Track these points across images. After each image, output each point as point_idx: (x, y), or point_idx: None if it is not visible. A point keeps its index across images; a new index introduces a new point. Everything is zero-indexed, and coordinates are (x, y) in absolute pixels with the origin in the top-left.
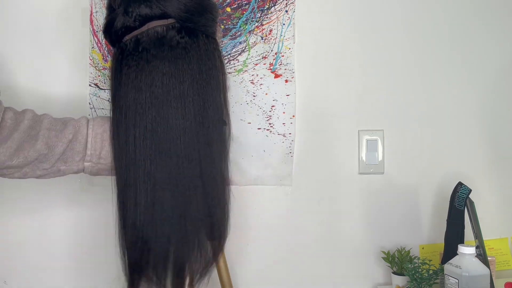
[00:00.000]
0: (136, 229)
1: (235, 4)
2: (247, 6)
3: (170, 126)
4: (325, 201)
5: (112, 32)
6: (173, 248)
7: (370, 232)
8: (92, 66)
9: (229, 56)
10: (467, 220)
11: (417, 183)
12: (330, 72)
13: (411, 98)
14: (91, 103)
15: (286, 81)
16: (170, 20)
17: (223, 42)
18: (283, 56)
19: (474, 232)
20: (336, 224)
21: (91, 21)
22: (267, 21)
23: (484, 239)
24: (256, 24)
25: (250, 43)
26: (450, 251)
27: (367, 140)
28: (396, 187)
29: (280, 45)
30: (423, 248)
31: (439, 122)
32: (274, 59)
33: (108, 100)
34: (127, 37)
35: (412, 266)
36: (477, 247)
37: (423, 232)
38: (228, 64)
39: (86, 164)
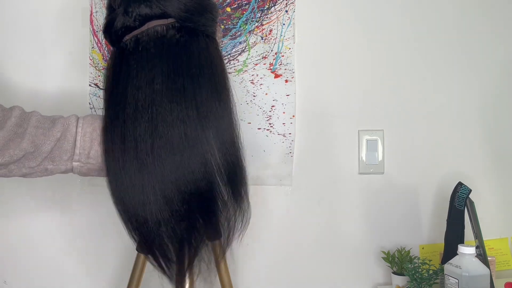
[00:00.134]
0: (142, 225)
1: (235, 4)
2: (247, 6)
3: (170, 123)
4: (325, 201)
5: (112, 32)
6: (174, 247)
7: (370, 232)
8: (92, 66)
9: (229, 56)
10: (467, 220)
11: (417, 183)
12: (330, 72)
13: (411, 98)
14: (91, 103)
15: (286, 81)
16: (170, 20)
17: (223, 42)
18: (283, 56)
19: (474, 232)
20: (336, 224)
21: (91, 21)
22: (267, 21)
23: (484, 239)
24: (256, 24)
25: (250, 43)
26: (450, 251)
27: (367, 140)
28: (396, 187)
29: (280, 45)
30: (423, 248)
31: (439, 122)
32: (274, 59)
33: None
34: (127, 37)
35: (412, 266)
36: (477, 247)
37: (423, 232)
38: (228, 64)
39: (74, 164)
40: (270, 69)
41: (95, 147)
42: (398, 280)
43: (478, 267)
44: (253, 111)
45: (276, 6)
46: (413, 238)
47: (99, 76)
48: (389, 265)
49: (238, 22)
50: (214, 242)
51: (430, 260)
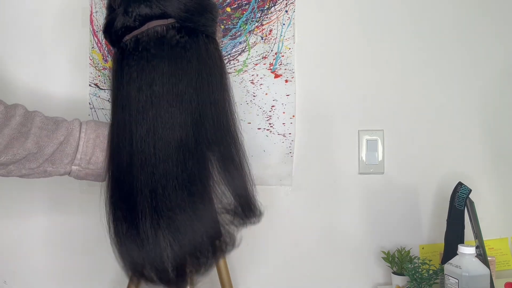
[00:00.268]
0: (140, 228)
1: (235, 4)
2: (247, 6)
3: (169, 125)
4: (325, 201)
5: (112, 32)
6: (176, 248)
7: (370, 232)
8: (92, 66)
9: (229, 56)
10: (467, 220)
11: (417, 183)
12: (330, 72)
13: (411, 98)
14: (91, 103)
15: (286, 81)
16: (170, 20)
17: (223, 42)
18: (283, 56)
19: (474, 232)
20: (336, 224)
21: (91, 21)
22: (267, 21)
23: (484, 239)
24: (256, 24)
25: (250, 43)
26: (450, 251)
27: (367, 140)
28: (396, 187)
29: (280, 45)
30: (423, 248)
31: (440, 122)
32: (274, 59)
33: (108, 100)
34: (127, 37)
35: (412, 266)
36: (477, 247)
37: (423, 232)
38: (228, 64)
39: (73, 167)
40: (270, 69)
41: (96, 153)
42: (398, 280)
43: (478, 267)
44: (253, 111)
45: (276, 6)
46: (413, 238)
47: (99, 76)
48: (389, 265)
49: (238, 22)
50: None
51: (430, 260)
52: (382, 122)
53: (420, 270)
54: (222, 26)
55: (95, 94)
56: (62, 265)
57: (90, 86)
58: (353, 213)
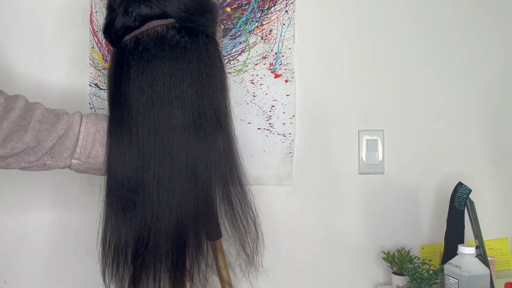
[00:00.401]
0: (141, 226)
1: (235, 4)
2: (247, 6)
3: (171, 125)
4: (325, 201)
5: (112, 32)
6: (174, 247)
7: (370, 232)
8: (92, 66)
9: (229, 56)
10: (467, 220)
11: (417, 183)
12: (330, 72)
13: (412, 98)
14: (91, 103)
15: (286, 81)
16: (170, 20)
17: (223, 42)
18: (283, 56)
19: (474, 232)
20: (336, 224)
21: (91, 21)
22: (267, 21)
23: (484, 239)
24: (256, 24)
25: (250, 43)
26: (450, 251)
27: (367, 140)
28: (396, 187)
29: (280, 45)
30: (423, 248)
31: (440, 122)
32: (274, 59)
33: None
34: (127, 37)
35: (412, 266)
36: (477, 247)
37: (423, 232)
38: (228, 64)
39: (73, 161)
40: (270, 69)
41: (96, 147)
42: (398, 280)
43: (478, 267)
44: (253, 111)
45: (276, 6)
46: (413, 238)
47: (99, 76)
48: (389, 265)
49: (238, 22)
50: (214, 242)
51: (430, 260)
52: (382, 122)
53: (420, 270)
54: (222, 26)
55: (95, 94)
56: (63, 265)
57: (90, 86)
58: (353, 213)
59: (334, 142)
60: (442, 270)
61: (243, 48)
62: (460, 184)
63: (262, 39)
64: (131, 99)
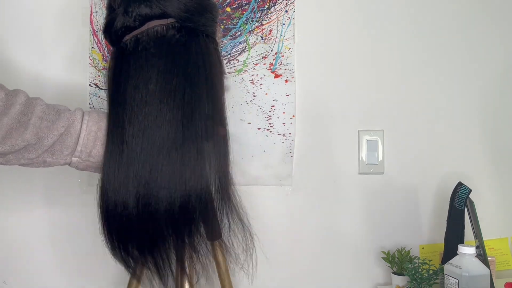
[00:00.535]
0: (127, 227)
1: (235, 4)
2: (247, 6)
3: (158, 122)
4: (325, 201)
5: (112, 32)
6: (168, 246)
7: (370, 232)
8: (92, 66)
9: (229, 56)
10: (467, 220)
11: (417, 183)
12: (330, 72)
13: (412, 98)
14: (91, 103)
15: (286, 81)
16: (170, 20)
17: (223, 42)
18: (283, 56)
19: (474, 232)
20: (336, 224)
21: (91, 21)
22: (267, 21)
23: (484, 239)
24: (256, 24)
25: (250, 43)
26: (450, 251)
27: (367, 140)
28: (396, 187)
29: (280, 45)
30: (423, 248)
31: (440, 122)
32: (274, 59)
33: None
34: (127, 37)
35: (412, 266)
36: (477, 247)
37: (423, 232)
38: (228, 64)
39: (74, 159)
40: (270, 69)
41: (97, 146)
42: (398, 280)
43: (478, 267)
44: (253, 111)
45: (276, 6)
46: (413, 238)
47: (99, 76)
48: (389, 265)
49: (238, 22)
50: (214, 242)
51: (430, 260)
52: (382, 122)
53: (420, 270)
54: (222, 26)
55: (95, 94)
56: (63, 264)
57: (90, 86)
58: (353, 213)
59: (334, 142)
60: (442, 270)
61: (243, 48)
62: (460, 184)
63: (262, 39)
64: (127, 97)
